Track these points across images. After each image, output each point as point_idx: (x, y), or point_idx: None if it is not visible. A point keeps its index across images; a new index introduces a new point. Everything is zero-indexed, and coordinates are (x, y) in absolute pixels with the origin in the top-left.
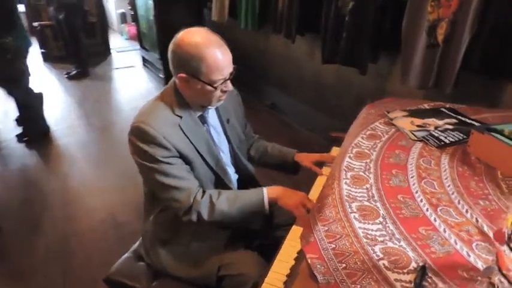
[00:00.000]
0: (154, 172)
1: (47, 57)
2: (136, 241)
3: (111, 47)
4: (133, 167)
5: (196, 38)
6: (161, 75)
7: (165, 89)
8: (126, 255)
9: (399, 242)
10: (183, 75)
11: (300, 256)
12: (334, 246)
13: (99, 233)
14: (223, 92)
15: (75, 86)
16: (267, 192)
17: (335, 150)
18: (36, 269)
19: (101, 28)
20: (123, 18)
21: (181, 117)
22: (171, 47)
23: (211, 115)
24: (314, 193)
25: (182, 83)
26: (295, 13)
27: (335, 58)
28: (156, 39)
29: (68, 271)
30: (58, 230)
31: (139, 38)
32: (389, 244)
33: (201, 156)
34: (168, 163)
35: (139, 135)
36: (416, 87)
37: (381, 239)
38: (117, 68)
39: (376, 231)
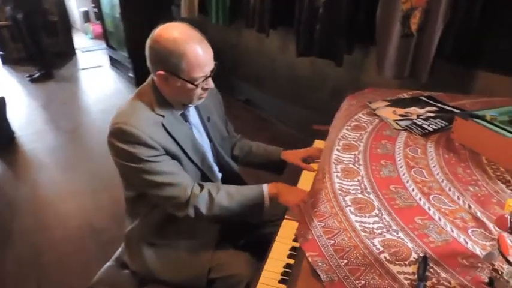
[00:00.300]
0: (142, 173)
1: (6, 60)
2: (116, 247)
3: (75, 46)
4: (107, 170)
5: (175, 33)
6: (131, 75)
7: (142, 88)
8: (108, 263)
9: (397, 234)
10: (162, 72)
11: (298, 254)
12: (333, 242)
13: (76, 242)
14: (204, 89)
15: (39, 88)
16: (267, 188)
17: (317, 143)
18: (7, 285)
19: (63, 27)
20: (86, 16)
21: (163, 116)
22: (148, 42)
23: (192, 113)
24: (302, 184)
25: (161, 81)
26: (268, 7)
27: (310, 51)
28: (124, 38)
29: (43, 285)
30: (29, 242)
31: (105, 36)
32: (388, 236)
33: (186, 154)
34: (156, 161)
35: (122, 136)
36: (392, 77)
37: (379, 231)
38: (83, 69)
39: (373, 223)
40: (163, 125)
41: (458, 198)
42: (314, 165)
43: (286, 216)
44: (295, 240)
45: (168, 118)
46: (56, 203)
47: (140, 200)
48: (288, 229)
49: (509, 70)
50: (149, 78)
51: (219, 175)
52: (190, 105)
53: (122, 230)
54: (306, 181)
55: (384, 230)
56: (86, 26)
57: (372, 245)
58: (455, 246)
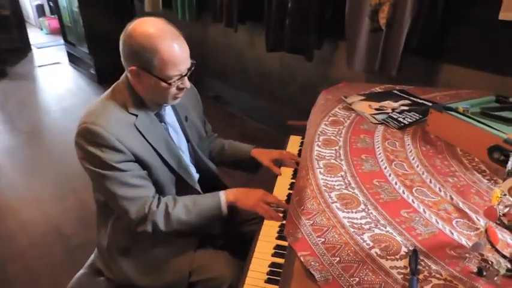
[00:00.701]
0: (105, 180)
1: None
2: (88, 253)
3: (30, 42)
4: (71, 171)
5: (150, 28)
6: (92, 71)
7: (116, 85)
8: (81, 271)
9: (385, 228)
10: (134, 68)
11: (288, 253)
12: (323, 240)
13: (43, 249)
14: (179, 89)
15: None
16: (224, 196)
17: (293, 139)
18: None
19: (16, 22)
20: (40, 10)
21: (136, 115)
22: (122, 37)
23: (168, 113)
24: (277, 192)
25: (134, 78)
26: (237, 1)
27: (280, 46)
28: (83, 33)
29: None
30: None
31: (62, 32)
32: (377, 231)
33: (161, 157)
34: (121, 170)
35: (89, 137)
36: (362, 71)
37: (367, 226)
38: (40, 66)
39: (360, 219)
40: (135, 126)
41: (440, 190)
42: (283, 169)
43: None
44: (278, 238)
45: (141, 118)
46: (18, 208)
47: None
48: (269, 227)
49: (472, 63)
50: (123, 75)
51: (196, 176)
52: (165, 105)
53: (92, 234)
54: (281, 185)
55: (372, 224)
56: (40, 20)
57: (361, 240)
58: (442, 238)
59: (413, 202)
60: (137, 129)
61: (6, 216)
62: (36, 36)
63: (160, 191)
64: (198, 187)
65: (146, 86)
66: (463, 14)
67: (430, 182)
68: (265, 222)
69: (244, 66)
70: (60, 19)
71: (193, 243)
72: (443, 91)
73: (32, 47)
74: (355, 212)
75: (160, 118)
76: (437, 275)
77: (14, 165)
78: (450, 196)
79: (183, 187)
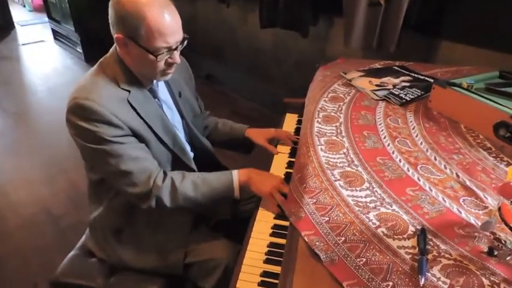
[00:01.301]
0: (104, 155)
1: None
2: (79, 234)
3: (14, 20)
4: (60, 152)
5: None
6: (79, 49)
7: (105, 59)
8: (72, 252)
9: (391, 206)
10: (120, 35)
11: (290, 233)
12: (327, 219)
13: (33, 231)
14: (168, 64)
15: None
16: (237, 176)
17: (289, 117)
18: None
19: None
20: None
21: (129, 91)
22: (110, 2)
23: (162, 89)
24: (274, 172)
25: (120, 47)
26: None
27: (274, 22)
28: (68, 10)
29: (1, 278)
30: None
31: (46, 9)
32: (382, 210)
33: (156, 134)
34: (120, 142)
35: (82, 113)
36: (360, 48)
37: (372, 205)
38: (24, 44)
39: (365, 197)
40: (128, 102)
41: (445, 168)
42: (280, 147)
43: (260, 208)
44: (276, 217)
45: (134, 94)
46: (7, 190)
47: (105, 182)
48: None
49: (472, 40)
50: (112, 49)
51: (191, 154)
52: (156, 80)
53: (83, 214)
54: (279, 164)
55: (378, 203)
56: None
57: (367, 220)
58: (449, 217)
59: (419, 180)
60: (130, 105)
61: None
62: (19, 13)
63: None
64: (194, 166)
65: (134, 57)
66: None
67: (435, 159)
68: (262, 200)
69: (237, 43)
70: None
71: (188, 223)
72: (444, 67)
73: (16, 24)
74: (360, 191)
75: (154, 94)
76: (447, 255)
77: (1, 147)
78: (456, 174)
79: (178, 166)
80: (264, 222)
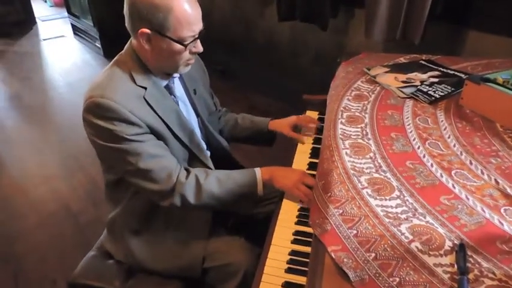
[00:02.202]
0: (123, 154)
1: None
2: (97, 231)
3: (35, 15)
4: (79, 148)
5: None
6: (98, 45)
7: (120, 56)
8: (91, 253)
9: (425, 218)
10: (146, 30)
11: (314, 245)
12: (355, 232)
13: (52, 228)
14: (192, 53)
15: None
16: (260, 173)
17: (310, 114)
18: None
19: None
20: None
21: (145, 88)
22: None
23: (177, 85)
24: (297, 165)
25: (143, 42)
26: None
27: (293, 15)
28: (87, 5)
29: (20, 274)
30: (0, 231)
31: (66, 4)
32: (415, 221)
33: (172, 131)
34: (139, 141)
35: (99, 112)
36: (382, 40)
37: (404, 216)
38: (45, 39)
39: (396, 207)
40: (145, 99)
41: (482, 173)
42: (305, 137)
43: (285, 199)
44: (298, 223)
45: (150, 91)
46: (27, 187)
47: (122, 183)
48: (288, 211)
49: (503, 29)
50: (127, 45)
51: (208, 153)
52: (175, 74)
53: (101, 211)
54: (301, 155)
55: (410, 214)
56: None
57: (399, 233)
58: (490, 229)
59: (454, 187)
60: (147, 102)
61: (15, 195)
62: (40, 8)
63: None
64: (211, 164)
65: (157, 51)
66: None
67: (471, 163)
68: (283, 205)
69: (254, 37)
70: None
71: (207, 224)
72: (474, 60)
73: (37, 19)
74: (389, 200)
75: (170, 90)
76: (490, 274)
77: (21, 143)
78: (495, 179)
79: (195, 164)
80: (285, 228)
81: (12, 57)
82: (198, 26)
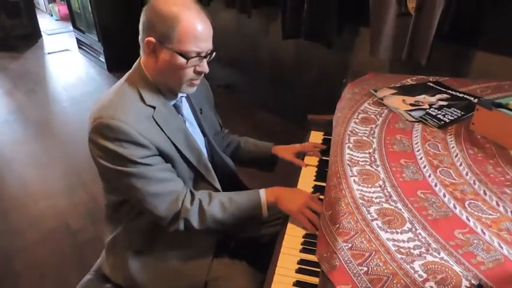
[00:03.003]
0: (131, 178)
1: None
2: (95, 249)
3: (41, 29)
4: (81, 163)
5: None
6: (102, 59)
7: (129, 75)
8: (87, 277)
9: (439, 254)
10: (151, 39)
11: (321, 281)
12: (366, 269)
13: (51, 246)
14: (196, 73)
15: (3, 75)
16: (265, 195)
17: (314, 135)
18: None
19: (26, 8)
20: None
21: (154, 107)
22: (144, 9)
23: (184, 105)
24: (301, 186)
25: (148, 53)
26: None
27: (297, 33)
28: (92, 19)
29: None
30: None
31: (71, 18)
32: (429, 258)
33: (180, 152)
34: (147, 164)
35: (108, 133)
36: (388, 59)
37: (417, 251)
38: (50, 53)
39: (408, 241)
40: (154, 119)
41: (498, 204)
42: (307, 159)
43: (290, 223)
44: (303, 250)
45: (159, 110)
46: (27, 202)
47: (126, 204)
48: (292, 238)
49: (509, 50)
50: (136, 64)
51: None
52: (180, 93)
53: (100, 230)
54: (306, 178)
55: (423, 249)
56: (50, 6)
57: (412, 271)
58: (510, 267)
59: (468, 220)
60: (156, 122)
61: (15, 211)
62: (46, 22)
63: None
64: (218, 185)
65: (161, 64)
66: None
67: (485, 193)
68: (288, 230)
69: (258, 54)
70: (69, 5)
71: (211, 247)
72: (483, 83)
73: (42, 33)
74: (401, 233)
75: (178, 110)
76: None
77: (23, 158)
78: (511, 212)
79: (202, 185)
80: (289, 256)
81: (17, 70)
82: (205, 44)
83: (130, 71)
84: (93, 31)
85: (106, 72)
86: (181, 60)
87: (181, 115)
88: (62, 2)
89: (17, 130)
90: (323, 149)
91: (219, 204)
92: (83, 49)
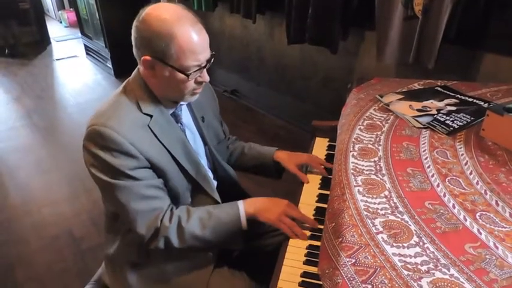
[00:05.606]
0: (116, 189)
1: None
2: (97, 258)
3: (50, 35)
4: (85, 170)
5: (165, 12)
6: (109, 65)
7: (127, 84)
8: (88, 286)
9: (449, 271)
10: (148, 58)
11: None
12: (370, 287)
13: (53, 254)
14: (198, 83)
15: (12, 81)
16: (243, 208)
17: (319, 142)
18: None
19: (36, 15)
20: (60, 4)
21: (151, 116)
22: (134, 24)
23: (184, 113)
24: (304, 204)
25: (146, 69)
26: None
27: (302, 38)
28: (100, 26)
29: None
30: (1, 254)
31: (79, 25)
32: (438, 275)
33: (177, 163)
34: (134, 178)
35: (99, 141)
36: (395, 63)
37: (425, 268)
38: (58, 59)
39: (415, 257)
40: (149, 128)
41: (511, 216)
42: (310, 176)
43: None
44: (306, 262)
45: (156, 119)
46: (31, 209)
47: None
48: (295, 249)
49: None
50: (135, 72)
51: (215, 183)
52: (182, 102)
53: (103, 237)
54: (308, 194)
55: (431, 265)
56: (60, 13)
57: None
58: None
59: (480, 233)
60: (151, 131)
61: (19, 217)
62: (55, 29)
63: (175, 200)
64: (217, 196)
65: (160, 79)
66: None
67: (497, 204)
68: (290, 243)
69: (263, 59)
70: (77, 12)
71: (211, 259)
72: (493, 86)
73: (51, 40)
74: (407, 247)
75: (177, 118)
76: None
77: (28, 164)
78: None
79: (200, 196)
80: (292, 268)
81: (25, 77)
82: (203, 55)
83: (129, 78)
84: (101, 37)
85: (113, 78)
86: (182, 76)
87: (181, 123)
88: (71, 9)
89: (24, 136)
90: (329, 167)
91: (198, 220)
92: (90, 55)
